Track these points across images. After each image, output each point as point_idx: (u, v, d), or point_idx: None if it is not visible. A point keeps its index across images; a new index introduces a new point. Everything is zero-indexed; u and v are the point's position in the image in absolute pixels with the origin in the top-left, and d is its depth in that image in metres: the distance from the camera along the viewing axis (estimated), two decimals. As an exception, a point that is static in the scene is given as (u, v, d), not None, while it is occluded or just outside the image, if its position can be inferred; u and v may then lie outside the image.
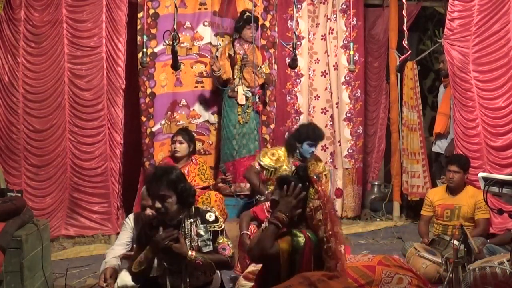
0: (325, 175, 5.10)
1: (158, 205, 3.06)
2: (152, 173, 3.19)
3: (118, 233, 5.55)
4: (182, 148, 5.18)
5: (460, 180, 4.79)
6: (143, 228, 3.25)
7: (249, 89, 5.69)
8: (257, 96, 5.79)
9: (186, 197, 3.11)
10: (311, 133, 4.86)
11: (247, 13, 5.69)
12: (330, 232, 2.75)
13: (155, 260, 3.26)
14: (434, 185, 6.00)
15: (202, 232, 3.14)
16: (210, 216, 3.18)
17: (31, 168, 5.61)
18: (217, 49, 5.98)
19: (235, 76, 5.71)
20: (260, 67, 5.75)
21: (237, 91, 5.70)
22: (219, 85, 5.79)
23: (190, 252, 3.07)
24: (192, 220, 3.16)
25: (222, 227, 3.21)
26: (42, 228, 3.88)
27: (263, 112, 5.99)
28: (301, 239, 2.70)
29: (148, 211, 3.55)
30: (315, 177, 2.89)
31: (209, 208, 3.35)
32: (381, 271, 3.45)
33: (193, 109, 5.99)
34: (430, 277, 4.04)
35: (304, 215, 2.81)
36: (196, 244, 3.13)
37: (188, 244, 3.12)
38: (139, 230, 3.30)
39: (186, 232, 3.15)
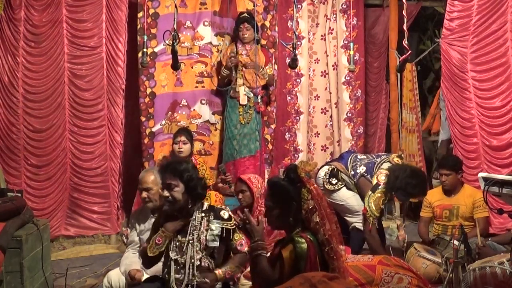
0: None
1: (166, 193, 3.14)
2: (162, 164, 3.31)
3: (118, 233, 5.62)
4: (186, 148, 5.21)
5: (453, 181, 4.79)
6: (159, 216, 3.31)
7: (250, 89, 5.70)
8: (259, 97, 5.79)
9: (194, 186, 3.15)
10: (420, 191, 4.43)
11: (243, 15, 5.72)
12: (330, 233, 2.72)
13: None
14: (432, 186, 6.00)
15: (213, 227, 3.18)
16: (224, 214, 3.23)
17: (31, 168, 5.61)
18: (219, 50, 5.98)
19: (237, 77, 5.73)
20: (263, 68, 5.75)
21: (238, 92, 5.70)
22: (219, 86, 5.80)
23: (217, 272, 3.15)
24: (204, 214, 3.22)
25: (234, 226, 3.25)
26: (42, 228, 3.88)
27: (264, 112, 5.99)
28: (304, 245, 2.66)
29: (144, 194, 3.72)
30: (306, 176, 2.84)
31: (223, 207, 3.41)
32: (382, 271, 3.45)
33: (194, 109, 5.98)
34: (430, 277, 4.04)
35: (300, 217, 2.76)
36: (204, 237, 3.17)
37: (195, 236, 3.17)
38: (156, 218, 3.35)
39: (196, 224, 3.19)
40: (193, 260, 3.15)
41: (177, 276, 3.17)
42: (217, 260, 3.25)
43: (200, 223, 3.19)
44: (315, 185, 2.86)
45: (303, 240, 2.68)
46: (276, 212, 2.80)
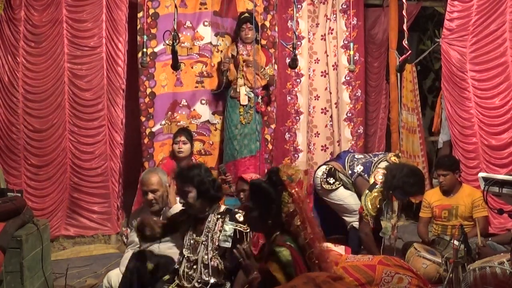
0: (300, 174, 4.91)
1: (181, 200, 3.31)
2: (176, 172, 3.39)
3: (118, 233, 5.63)
4: (186, 148, 5.23)
5: (451, 181, 4.79)
6: (178, 213, 3.44)
7: (251, 89, 5.70)
8: (259, 97, 5.79)
9: (206, 189, 3.26)
10: (418, 190, 4.39)
11: (244, 15, 5.72)
12: (312, 236, 2.68)
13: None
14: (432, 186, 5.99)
15: (227, 228, 3.26)
16: (240, 217, 3.29)
17: (31, 168, 5.61)
18: (219, 50, 5.98)
19: (237, 77, 5.73)
20: (264, 68, 5.75)
21: (239, 92, 5.70)
22: (215, 89, 5.81)
23: None
24: (219, 216, 3.31)
25: (248, 229, 3.27)
26: (42, 228, 3.88)
27: (264, 112, 5.99)
28: (286, 252, 2.65)
29: (150, 196, 3.77)
30: (288, 179, 2.80)
31: (239, 210, 3.46)
32: (382, 271, 3.44)
33: (194, 109, 5.98)
34: (430, 277, 4.04)
35: (279, 220, 2.74)
36: (217, 238, 3.26)
37: (209, 236, 3.27)
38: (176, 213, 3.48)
39: (210, 226, 3.29)
40: (203, 259, 3.24)
41: (188, 271, 3.27)
42: (228, 263, 3.30)
43: (215, 225, 3.29)
44: (297, 189, 2.83)
45: (283, 248, 2.66)
46: (255, 213, 2.79)
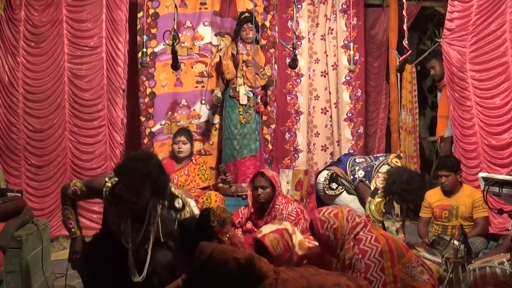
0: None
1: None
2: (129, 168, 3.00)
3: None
4: (186, 148, 5.23)
5: (453, 182, 4.80)
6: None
7: (251, 89, 5.70)
8: (259, 97, 5.79)
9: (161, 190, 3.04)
10: (416, 198, 4.33)
11: (244, 14, 5.73)
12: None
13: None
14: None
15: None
16: (179, 203, 3.15)
17: (31, 168, 5.61)
18: (219, 50, 5.98)
19: (237, 76, 5.73)
20: (263, 68, 5.75)
21: (238, 91, 5.70)
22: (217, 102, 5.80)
23: None
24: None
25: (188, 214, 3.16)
26: (42, 228, 3.89)
27: (264, 112, 5.99)
28: None
29: None
30: (219, 224, 2.58)
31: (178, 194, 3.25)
32: (412, 255, 3.32)
33: (194, 109, 5.99)
34: (430, 277, 4.03)
35: None
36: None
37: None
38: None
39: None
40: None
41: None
42: None
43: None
44: (229, 235, 2.62)
45: None
46: (186, 256, 2.52)
